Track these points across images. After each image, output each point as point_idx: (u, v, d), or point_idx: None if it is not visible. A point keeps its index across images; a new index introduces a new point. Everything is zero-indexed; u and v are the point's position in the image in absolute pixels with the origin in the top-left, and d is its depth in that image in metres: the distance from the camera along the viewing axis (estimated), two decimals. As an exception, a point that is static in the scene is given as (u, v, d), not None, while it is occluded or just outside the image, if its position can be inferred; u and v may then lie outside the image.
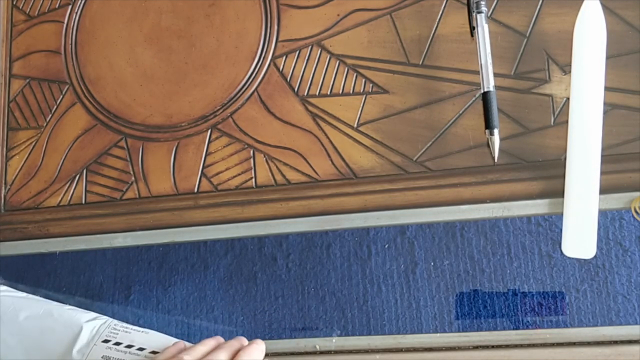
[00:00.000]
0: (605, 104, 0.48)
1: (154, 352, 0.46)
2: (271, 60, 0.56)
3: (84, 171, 0.59)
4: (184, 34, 0.59)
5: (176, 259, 0.54)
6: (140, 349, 0.47)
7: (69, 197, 0.59)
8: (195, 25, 0.59)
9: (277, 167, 0.54)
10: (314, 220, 0.52)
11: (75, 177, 0.59)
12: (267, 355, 0.45)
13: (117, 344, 0.47)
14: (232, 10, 0.58)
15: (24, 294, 0.54)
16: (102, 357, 0.46)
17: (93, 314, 0.50)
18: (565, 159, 0.48)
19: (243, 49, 0.57)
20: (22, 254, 0.58)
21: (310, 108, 0.55)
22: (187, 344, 0.47)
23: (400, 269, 0.50)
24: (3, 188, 0.61)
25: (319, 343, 0.50)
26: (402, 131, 0.52)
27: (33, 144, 0.61)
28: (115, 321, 0.49)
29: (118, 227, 0.57)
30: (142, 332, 0.49)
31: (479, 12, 0.51)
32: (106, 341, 0.47)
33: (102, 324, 0.49)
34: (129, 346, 0.47)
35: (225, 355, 0.43)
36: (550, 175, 0.49)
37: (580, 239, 0.47)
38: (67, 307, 0.52)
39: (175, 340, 0.47)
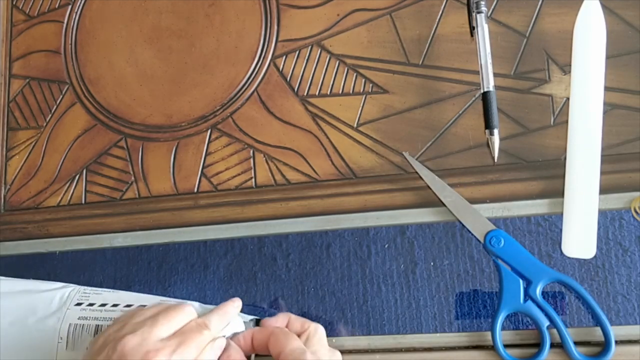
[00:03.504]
0: (605, 104, 0.48)
1: (128, 306, 0.48)
2: (271, 60, 0.56)
3: (84, 171, 0.59)
4: (184, 34, 0.59)
5: (176, 259, 0.54)
6: (115, 305, 0.48)
7: (68, 197, 0.59)
8: (195, 25, 0.59)
9: (277, 167, 0.54)
10: (313, 220, 0.52)
11: (75, 177, 0.59)
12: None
13: (91, 304, 0.48)
14: (232, 10, 0.58)
15: None
16: (78, 319, 0.47)
17: (61, 284, 0.52)
18: (565, 159, 0.48)
19: (243, 49, 0.57)
20: (22, 254, 0.58)
21: (310, 108, 0.55)
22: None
23: (400, 269, 0.50)
24: (3, 188, 0.61)
25: (319, 343, 0.50)
26: (402, 131, 0.52)
27: (33, 144, 0.61)
28: (84, 287, 0.51)
29: (118, 227, 0.57)
30: (112, 292, 0.50)
31: (479, 12, 0.51)
32: (79, 304, 0.48)
33: (71, 290, 0.50)
34: (103, 305, 0.48)
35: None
36: (550, 175, 0.49)
37: (580, 239, 0.47)
38: (40, 282, 0.53)
39: (145, 296, 0.49)
